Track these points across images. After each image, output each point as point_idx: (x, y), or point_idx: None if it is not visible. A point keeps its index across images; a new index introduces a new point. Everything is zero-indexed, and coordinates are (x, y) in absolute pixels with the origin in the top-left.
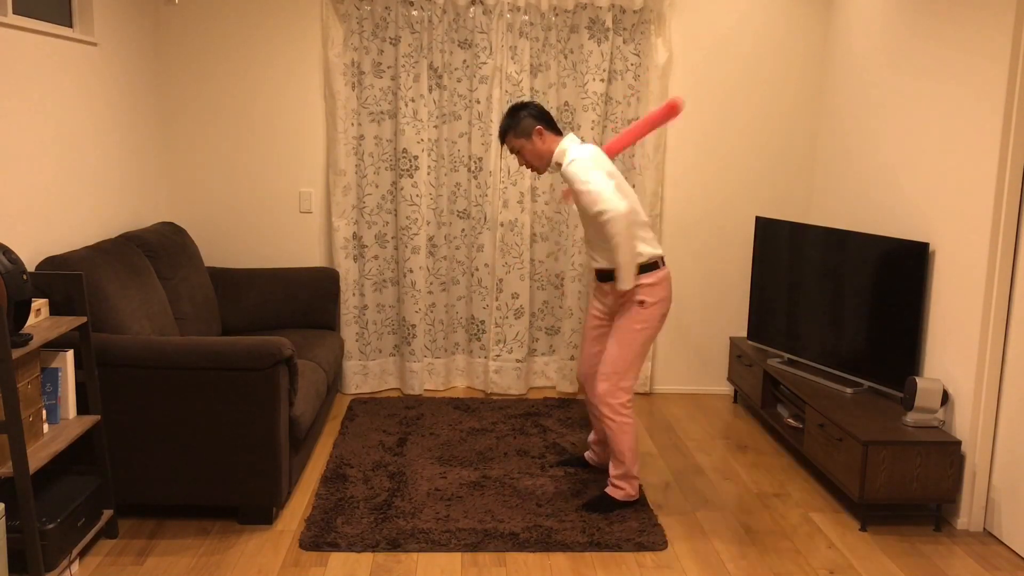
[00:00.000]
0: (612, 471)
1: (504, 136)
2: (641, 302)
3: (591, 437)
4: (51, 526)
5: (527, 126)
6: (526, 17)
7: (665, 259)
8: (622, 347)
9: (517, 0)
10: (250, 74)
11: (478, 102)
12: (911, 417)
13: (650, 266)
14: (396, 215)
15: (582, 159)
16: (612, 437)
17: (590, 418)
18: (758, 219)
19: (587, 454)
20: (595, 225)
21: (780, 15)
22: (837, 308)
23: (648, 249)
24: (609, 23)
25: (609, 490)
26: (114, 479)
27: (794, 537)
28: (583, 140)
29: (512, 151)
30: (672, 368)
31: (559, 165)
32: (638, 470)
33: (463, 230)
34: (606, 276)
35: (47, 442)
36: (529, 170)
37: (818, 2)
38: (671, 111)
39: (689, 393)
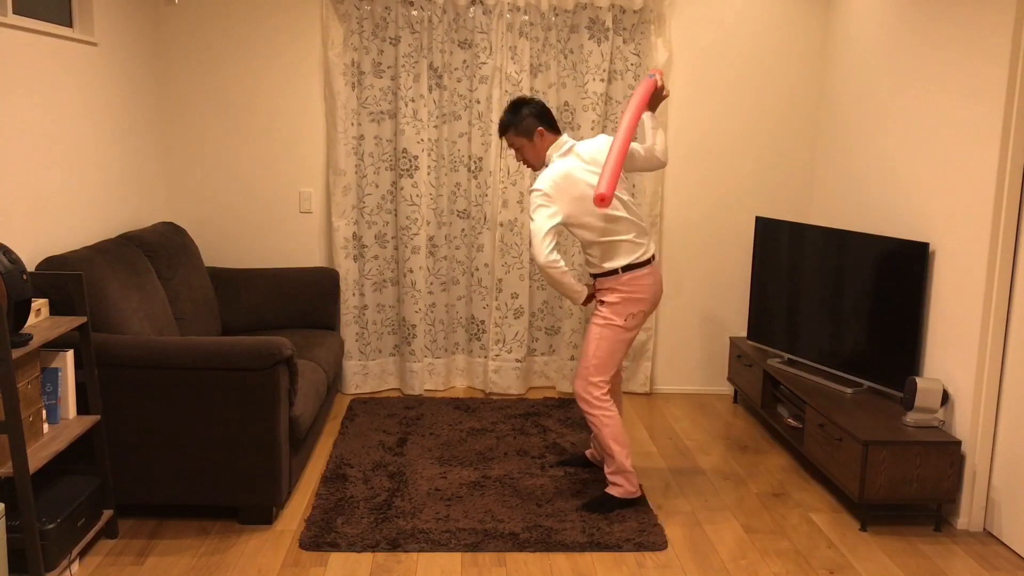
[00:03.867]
0: (606, 468)
1: (505, 131)
2: (602, 302)
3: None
4: (51, 526)
5: (529, 126)
6: (526, 17)
7: (652, 260)
8: (588, 344)
9: (517, 0)
10: (250, 74)
11: (478, 102)
12: (911, 417)
13: (610, 273)
14: (396, 215)
15: (543, 187)
16: (596, 434)
17: None
18: (758, 219)
19: (588, 452)
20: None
21: (780, 15)
22: (837, 308)
23: (620, 262)
24: (609, 23)
25: (609, 489)
26: (114, 479)
27: (794, 537)
28: (582, 138)
29: (511, 147)
30: (672, 368)
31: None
32: (631, 464)
33: (463, 230)
34: (595, 275)
35: (47, 442)
36: (526, 166)
37: (818, 2)
38: (649, 90)
39: (689, 393)
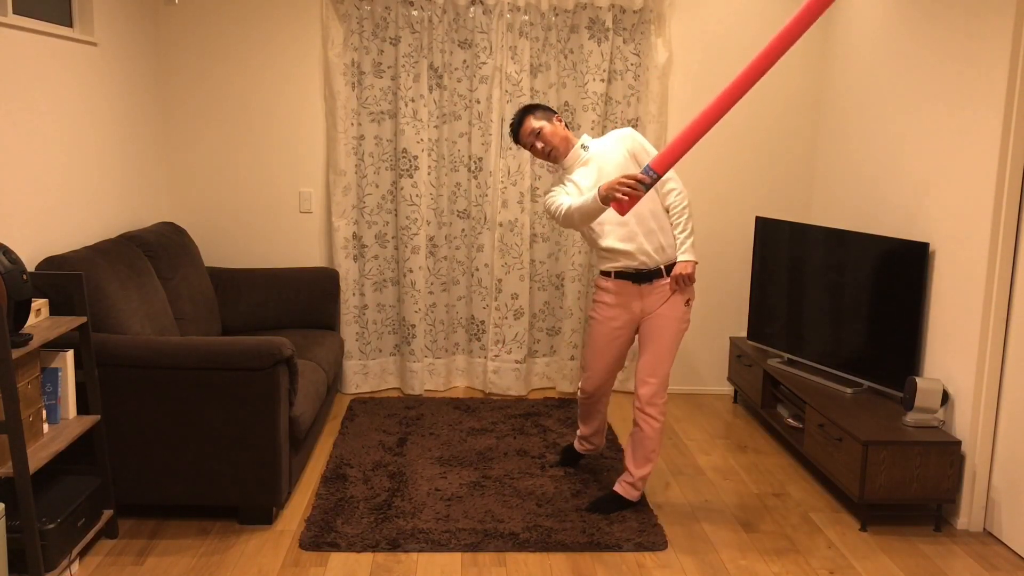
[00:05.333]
0: (639, 471)
1: (521, 124)
2: (688, 301)
3: (586, 431)
4: (51, 526)
5: (545, 111)
6: (526, 17)
7: None
8: (670, 347)
9: (517, 0)
10: (250, 74)
11: (478, 102)
12: (911, 417)
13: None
14: (396, 215)
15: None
16: (652, 438)
17: (588, 414)
18: (758, 219)
19: (578, 445)
20: (654, 212)
21: (780, 15)
22: (837, 308)
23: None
24: (609, 23)
25: (623, 490)
26: (114, 479)
27: (794, 537)
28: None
29: (528, 138)
30: (672, 368)
31: (585, 148)
32: None
33: (463, 230)
34: (651, 275)
35: (47, 442)
36: (542, 158)
37: None
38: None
39: (689, 393)
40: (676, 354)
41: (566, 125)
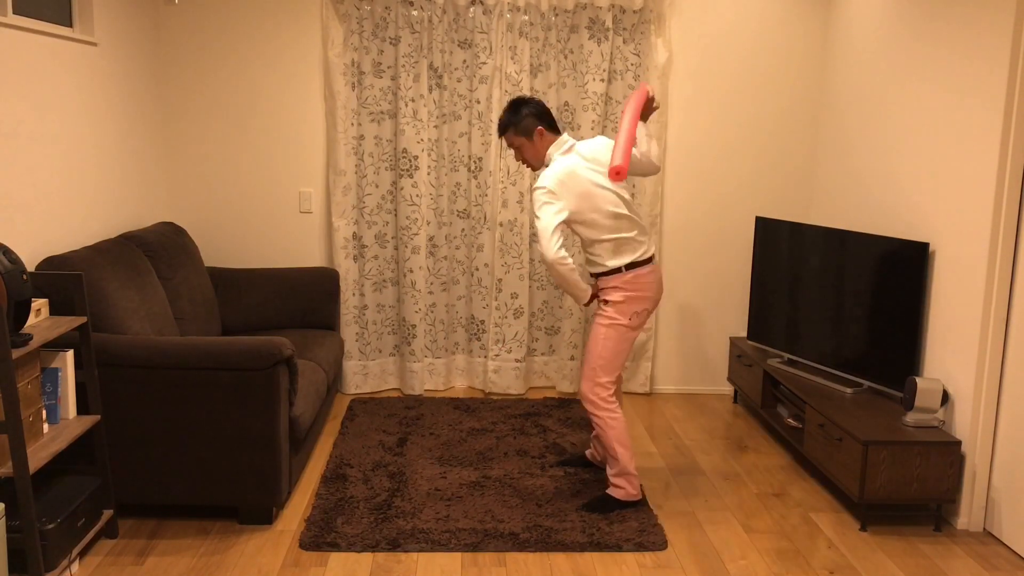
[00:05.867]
0: (609, 470)
1: (504, 130)
2: (605, 301)
3: (594, 432)
4: (51, 526)
5: (528, 125)
6: (526, 17)
7: (653, 258)
8: (593, 344)
9: (517, 0)
10: (250, 74)
11: (478, 102)
12: (911, 417)
13: (614, 271)
14: (396, 215)
15: (548, 184)
16: (604, 434)
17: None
18: (758, 219)
19: (588, 452)
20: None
21: (780, 15)
22: (837, 308)
23: (624, 259)
24: (609, 23)
25: (610, 490)
26: (114, 479)
27: (794, 537)
28: (582, 138)
29: (511, 146)
30: (672, 368)
31: (568, 145)
32: (634, 467)
33: (463, 230)
34: (599, 275)
35: (47, 442)
36: (526, 165)
37: (818, 2)
38: (643, 96)
39: (689, 393)
40: (608, 353)
41: (561, 127)
